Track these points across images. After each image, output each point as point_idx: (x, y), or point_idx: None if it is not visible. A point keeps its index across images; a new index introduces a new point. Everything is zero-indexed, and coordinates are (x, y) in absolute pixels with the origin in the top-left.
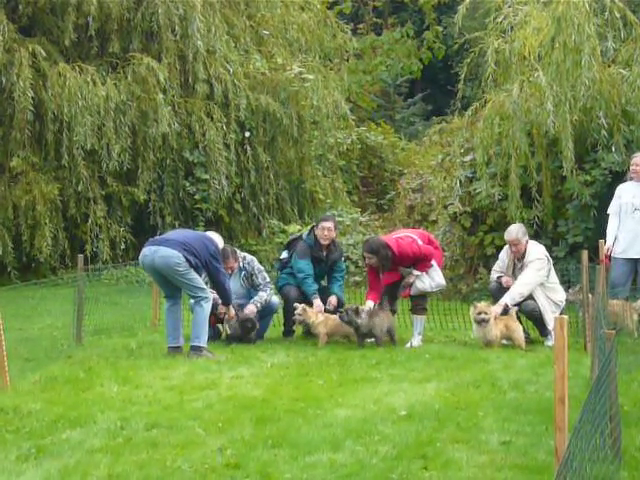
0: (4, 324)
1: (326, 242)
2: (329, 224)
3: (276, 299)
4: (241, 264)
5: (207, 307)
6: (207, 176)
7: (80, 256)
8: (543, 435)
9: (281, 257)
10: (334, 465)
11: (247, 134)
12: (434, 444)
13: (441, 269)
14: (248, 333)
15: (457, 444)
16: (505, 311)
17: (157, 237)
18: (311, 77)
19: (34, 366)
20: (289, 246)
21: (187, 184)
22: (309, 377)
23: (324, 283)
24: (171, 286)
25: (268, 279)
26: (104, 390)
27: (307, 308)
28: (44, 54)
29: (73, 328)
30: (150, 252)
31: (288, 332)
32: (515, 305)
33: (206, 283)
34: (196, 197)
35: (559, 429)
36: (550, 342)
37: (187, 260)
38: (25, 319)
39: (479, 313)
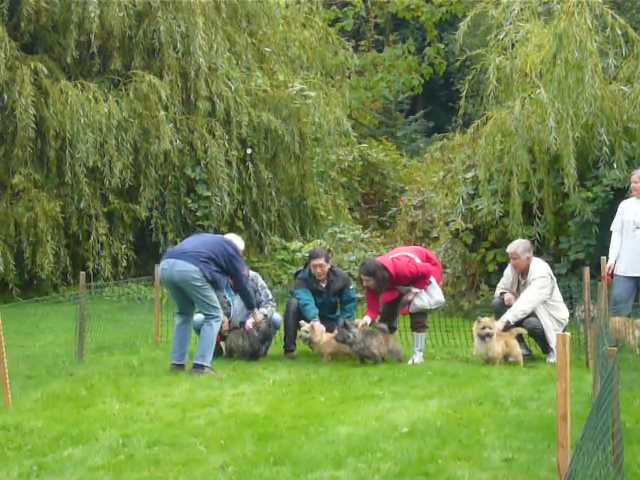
0: (6, 341)
1: (321, 277)
2: (319, 261)
3: (279, 316)
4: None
5: (216, 327)
6: (209, 193)
7: (82, 273)
8: (545, 452)
9: (292, 289)
10: None
11: (249, 151)
12: (436, 461)
13: (441, 285)
14: (263, 343)
15: (459, 461)
16: (507, 328)
17: (175, 248)
18: (312, 94)
19: (36, 383)
20: (295, 277)
21: (189, 201)
22: (311, 394)
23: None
24: (186, 301)
25: (271, 296)
26: (106, 407)
27: (315, 326)
28: (46, 71)
29: (75, 345)
30: (168, 265)
31: (289, 348)
32: (517, 324)
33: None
34: (198, 214)
35: (561, 446)
36: (552, 359)
37: (204, 276)
38: (27, 336)
39: (483, 328)
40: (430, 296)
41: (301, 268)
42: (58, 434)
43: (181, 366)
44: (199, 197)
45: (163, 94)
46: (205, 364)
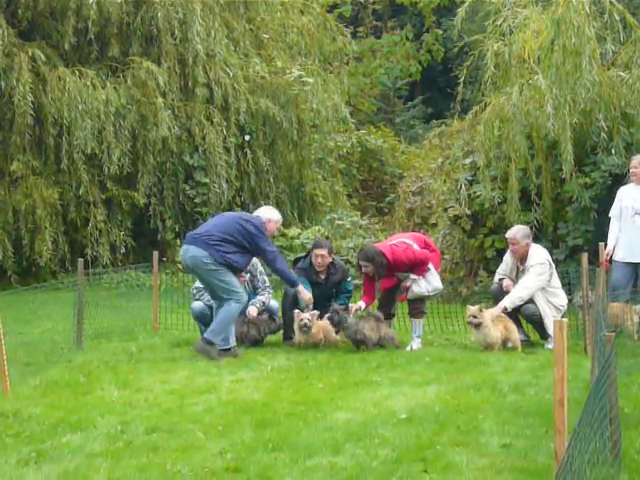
0: (4, 328)
1: (321, 269)
2: (322, 251)
3: (276, 303)
4: None
5: (236, 307)
6: (207, 180)
7: (80, 260)
8: (543, 438)
9: None
10: (334, 468)
11: (247, 138)
12: (434, 447)
13: (439, 271)
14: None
15: (457, 447)
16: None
17: (192, 232)
18: (311, 80)
19: (34, 370)
20: (294, 265)
21: (187, 188)
22: (309, 380)
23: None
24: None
25: (268, 283)
26: (104, 394)
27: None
28: (44, 58)
29: (73, 332)
30: (183, 252)
31: (288, 336)
32: (514, 310)
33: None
34: (196, 201)
35: (559, 432)
36: (550, 345)
37: (216, 260)
38: (25, 323)
39: (470, 316)
40: (428, 283)
41: (300, 255)
42: (56, 421)
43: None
44: (197, 184)
45: (161, 81)
46: (214, 341)
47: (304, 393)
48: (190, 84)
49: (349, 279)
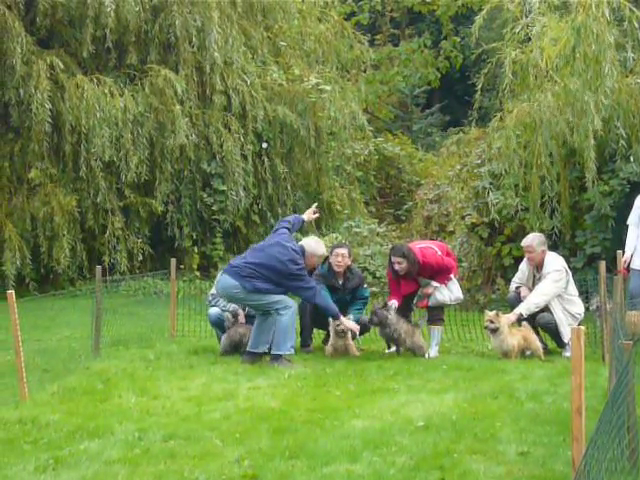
0: (22, 335)
1: (340, 269)
2: (343, 250)
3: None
4: None
5: (286, 316)
6: (224, 187)
7: (98, 267)
8: (561, 446)
9: None
10: (351, 476)
11: (264, 145)
12: (451, 455)
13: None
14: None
15: (474, 455)
16: (519, 321)
17: (230, 262)
18: (328, 88)
19: (52, 377)
20: (311, 273)
21: (204, 195)
22: (326, 388)
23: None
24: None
25: None
26: (122, 401)
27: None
28: (62, 66)
29: (91, 339)
30: (217, 281)
31: (305, 343)
32: (530, 316)
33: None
34: (213, 208)
35: (576, 440)
36: (568, 353)
37: (245, 288)
38: (43, 330)
39: (486, 321)
40: (450, 291)
41: None
42: (74, 428)
43: (253, 354)
44: (215, 191)
45: (179, 88)
46: (280, 353)
47: (321, 400)
48: (208, 92)
49: (365, 286)
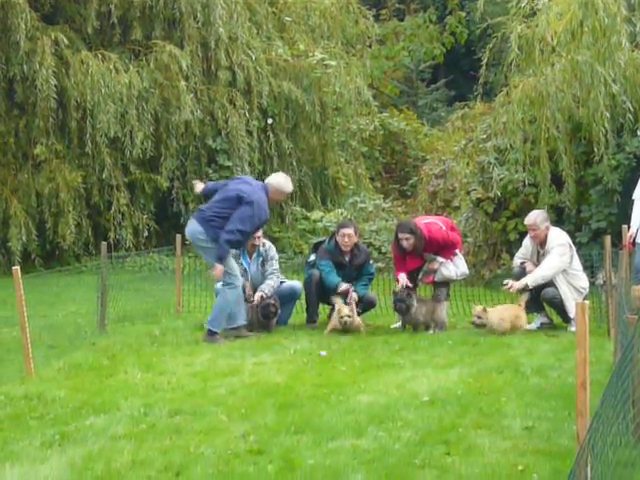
0: (28, 311)
1: (347, 249)
2: (349, 230)
3: (299, 284)
4: (260, 249)
5: (230, 294)
6: (230, 163)
7: (103, 243)
8: (566, 420)
9: (308, 260)
10: (357, 451)
11: (269, 121)
12: (457, 430)
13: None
14: (269, 319)
15: (480, 430)
16: (524, 291)
17: (200, 206)
18: (333, 63)
19: (58, 353)
20: (315, 249)
21: (210, 171)
22: (332, 363)
23: None
24: None
25: (276, 267)
26: (128, 377)
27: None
28: (66, 42)
29: (97, 315)
30: (187, 225)
31: (311, 319)
32: (535, 291)
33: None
34: None
35: (581, 414)
36: (573, 328)
37: (209, 237)
38: (49, 306)
39: (474, 316)
40: (456, 267)
41: (319, 240)
42: (80, 403)
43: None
44: (220, 167)
45: (184, 64)
46: (216, 330)
47: (327, 376)
48: (213, 67)
49: (371, 262)
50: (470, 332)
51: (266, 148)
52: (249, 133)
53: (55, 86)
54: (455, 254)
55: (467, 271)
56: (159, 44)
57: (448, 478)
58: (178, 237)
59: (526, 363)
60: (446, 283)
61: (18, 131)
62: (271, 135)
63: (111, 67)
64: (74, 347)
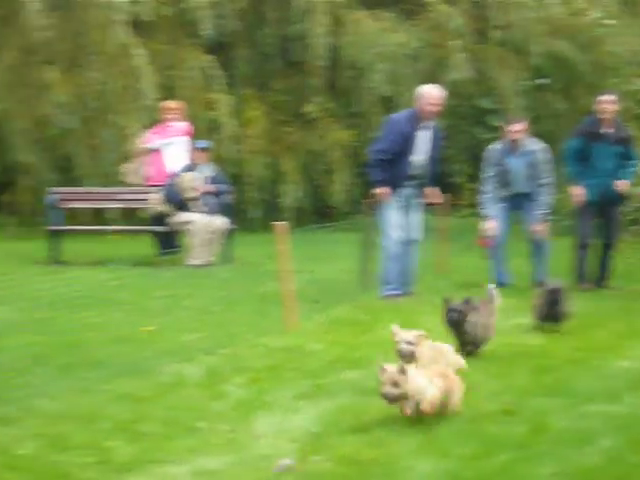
0: (296, 266)
1: (605, 115)
2: (610, 97)
3: None
4: None
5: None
6: (500, 124)
7: (365, 202)
8: None
9: None
10: (609, 416)
11: (544, 81)
12: None
13: None
14: None
15: None
16: None
17: None
18: (611, 22)
19: (320, 308)
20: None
21: (479, 131)
22: (592, 327)
23: None
24: None
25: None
26: (385, 333)
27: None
28: (343, 0)
29: (361, 273)
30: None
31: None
32: None
33: None
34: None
35: None
36: None
37: None
38: (317, 262)
39: None
40: None
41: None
42: (336, 357)
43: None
44: (489, 128)
45: (456, 24)
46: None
47: (586, 340)
48: (484, 27)
49: (632, 143)
50: None
51: (538, 109)
52: (521, 93)
53: (328, 45)
54: None
55: None
56: (432, 3)
57: None
58: (446, 197)
59: None
60: None
61: (291, 89)
62: (544, 96)
63: (384, 26)
64: (336, 302)
